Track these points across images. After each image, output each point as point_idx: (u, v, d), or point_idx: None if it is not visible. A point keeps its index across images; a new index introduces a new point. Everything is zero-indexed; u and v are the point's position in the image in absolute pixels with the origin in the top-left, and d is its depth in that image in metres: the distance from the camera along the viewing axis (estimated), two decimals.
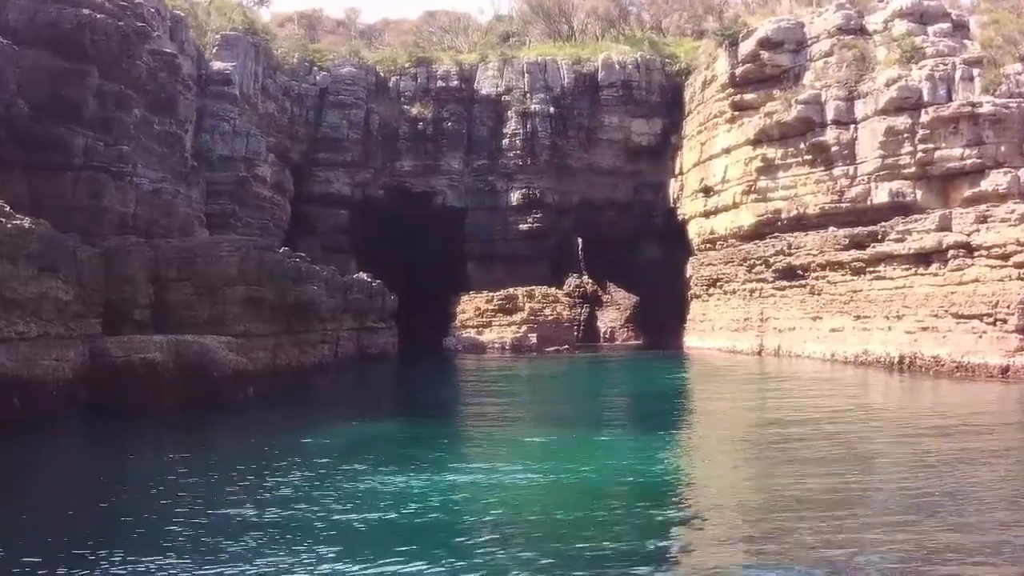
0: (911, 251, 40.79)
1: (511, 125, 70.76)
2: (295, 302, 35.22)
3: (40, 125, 31.21)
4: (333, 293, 42.31)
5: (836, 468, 18.27)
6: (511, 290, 64.56)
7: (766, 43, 54.74)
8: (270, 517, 14.19)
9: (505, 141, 70.83)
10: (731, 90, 57.99)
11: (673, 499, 16.40)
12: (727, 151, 58.22)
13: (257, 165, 56.40)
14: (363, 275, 51.40)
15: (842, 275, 45.95)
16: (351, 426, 25.38)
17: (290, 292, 34.63)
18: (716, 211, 60.20)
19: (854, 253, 45.03)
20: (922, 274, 40.18)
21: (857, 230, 45.44)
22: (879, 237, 43.42)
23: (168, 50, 43.28)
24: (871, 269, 43.77)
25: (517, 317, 63.44)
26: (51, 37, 31.95)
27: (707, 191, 61.42)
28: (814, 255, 48.18)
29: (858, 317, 44.09)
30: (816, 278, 48.09)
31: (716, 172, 59.79)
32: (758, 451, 21.01)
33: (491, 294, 64.58)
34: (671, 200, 68.90)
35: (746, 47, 56.04)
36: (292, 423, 26.02)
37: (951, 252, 38.56)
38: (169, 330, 29.70)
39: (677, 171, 68.11)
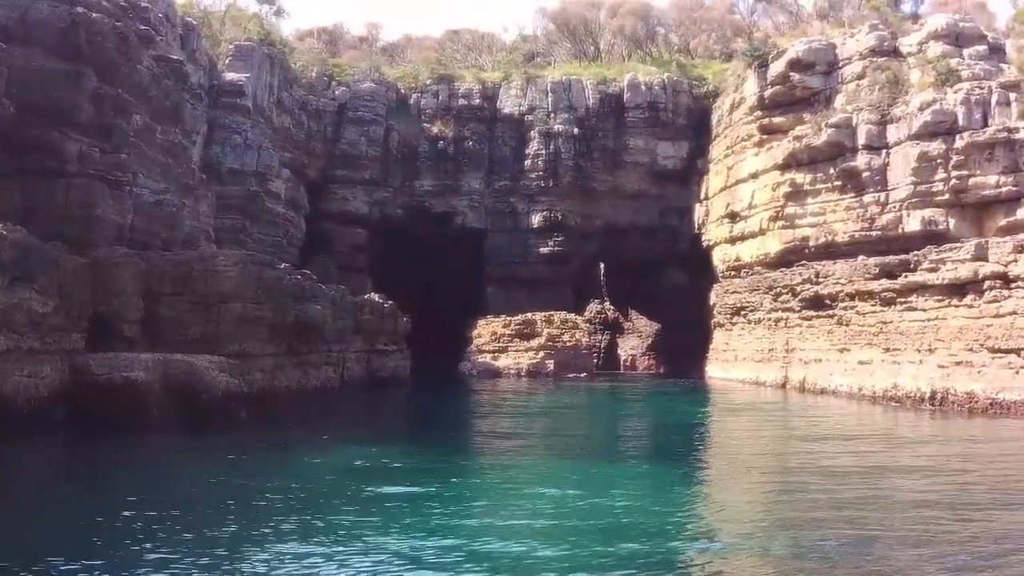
0: (945, 281, 38.96)
1: (534, 146, 69.56)
2: (296, 321, 33.52)
3: (31, 129, 29.63)
4: (341, 313, 40.68)
5: (855, 512, 16.73)
6: (529, 315, 63.01)
7: (797, 64, 53.31)
8: None
9: (527, 162, 69.65)
10: (759, 113, 56.56)
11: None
12: (754, 176, 56.71)
13: (270, 180, 54.96)
14: (375, 296, 49.85)
15: (871, 305, 44.12)
16: (334, 457, 23.41)
17: (291, 311, 32.94)
18: (742, 237, 58.64)
19: (885, 283, 43.25)
20: (956, 305, 38.38)
21: (888, 259, 43.73)
22: (911, 267, 41.67)
23: (174, 56, 41.73)
24: (902, 300, 41.96)
25: (534, 343, 61.83)
26: (43, 36, 30.39)
27: (733, 217, 59.88)
28: (843, 284, 46.42)
29: (888, 350, 42.21)
30: (844, 308, 46.25)
31: (743, 197, 58.25)
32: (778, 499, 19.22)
33: (508, 318, 63.04)
34: (696, 226, 67.47)
35: (776, 68, 54.71)
36: (269, 453, 24.23)
37: (987, 283, 36.70)
38: (161, 347, 28.13)
39: (703, 196, 66.65)
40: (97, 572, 12.30)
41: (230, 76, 53.46)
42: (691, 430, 33.25)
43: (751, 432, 32.39)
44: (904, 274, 42.05)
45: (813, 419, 35.84)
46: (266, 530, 14.78)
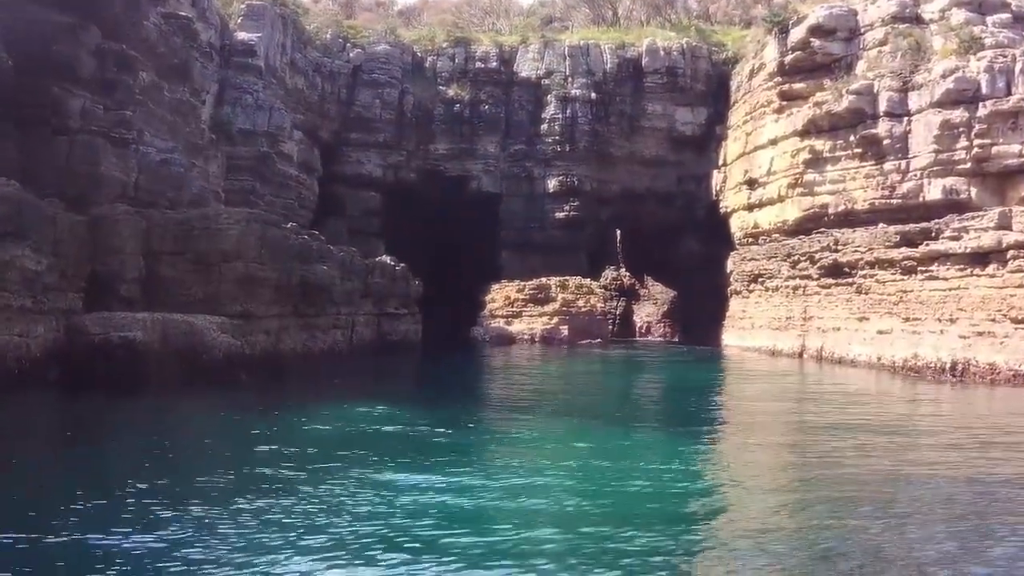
0: (967, 250, 38.01)
1: (550, 110, 68.80)
2: (302, 282, 32.84)
3: (31, 83, 28.89)
4: (350, 275, 39.96)
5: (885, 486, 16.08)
6: (543, 279, 62.12)
7: (817, 30, 52.46)
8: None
9: (544, 126, 68.96)
10: (779, 79, 55.62)
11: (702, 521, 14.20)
12: (773, 142, 55.79)
13: (281, 141, 54.25)
14: (386, 258, 49.15)
15: (892, 274, 43.13)
16: (332, 418, 22.65)
17: (296, 271, 32.26)
18: (760, 204, 57.75)
19: (905, 251, 42.26)
20: (979, 275, 37.40)
21: (909, 227, 42.76)
22: (933, 235, 40.73)
23: (183, 13, 40.94)
24: (923, 268, 40.96)
25: (549, 308, 60.93)
26: None
27: (751, 183, 58.93)
28: (862, 252, 45.48)
29: (907, 319, 41.30)
30: (864, 276, 45.28)
31: (761, 164, 57.30)
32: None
33: (523, 283, 62.15)
34: (714, 192, 66.66)
35: (796, 34, 53.79)
36: (261, 418, 23.35)
37: (1011, 252, 35.71)
38: (161, 308, 27.46)
39: (721, 162, 65.84)
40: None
41: (241, 36, 52.80)
42: (705, 399, 32.29)
43: (767, 404, 31.42)
44: (925, 242, 41.06)
45: (832, 392, 34.84)
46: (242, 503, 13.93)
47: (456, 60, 70.53)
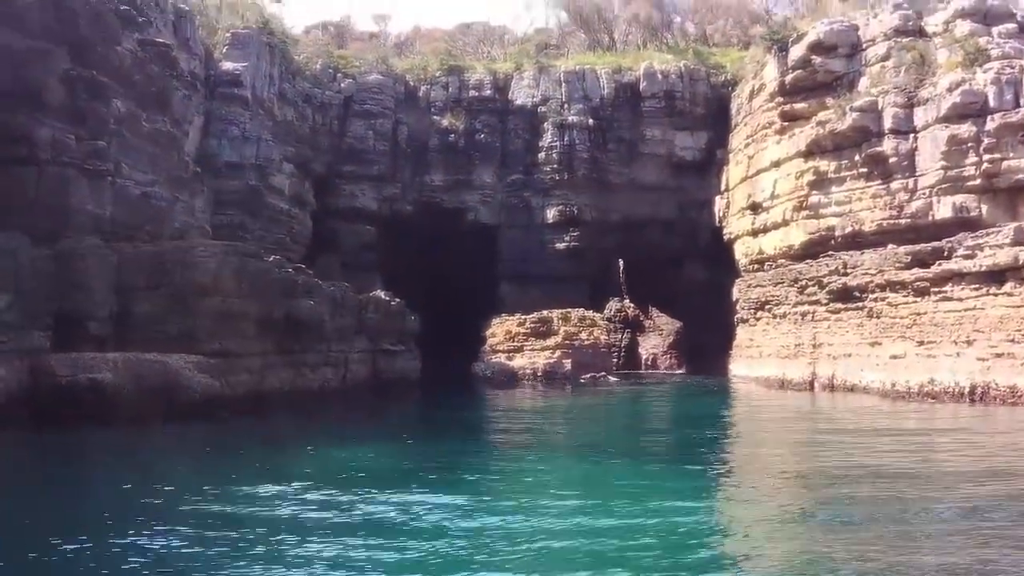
0: (983, 268, 36.70)
1: (547, 137, 67.46)
2: (287, 318, 31.21)
3: None
4: (341, 311, 38.39)
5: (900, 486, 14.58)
6: (545, 312, 60.32)
7: (818, 47, 51.19)
8: None
9: (541, 155, 67.61)
10: (780, 99, 54.25)
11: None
12: (776, 164, 54.39)
13: (271, 174, 52.80)
14: (381, 293, 47.60)
15: (904, 296, 41.68)
16: (306, 467, 20.95)
17: (280, 306, 30.68)
18: (764, 229, 56.28)
19: (917, 272, 40.84)
20: (995, 294, 36.15)
21: (920, 247, 41.43)
22: (945, 254, 39.41)
23: (162, 40, 39.47)
24: (936, 289, 39.59)
25: (551, 341, 59.11)
26: (10, 12, 28.07)
27: (755, 208, 57.52)
28: (872, 275, 43.94)
29: (922, 343, 39.81)
30: (875, 300, 43.74)
31: (764, 187, 55.88)
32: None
33: (523, 316, 60.36)
34: (717, 218, 65.22)
35: (796, 52, 52.44)
36: (230, 465, 21.60)
37: None
38: (134, 346, 25.87)
39: (723, 187, 64.40)
40: None
41: (227, 65, 51.40)
42: (711, 447, 30.34)
43: (777, 449, 29.71)
44: (938, 262, 39.71)
45: (846, 429, 33.14)
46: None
47: (450, 89, 69.22)
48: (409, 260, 66.62)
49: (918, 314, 40.47)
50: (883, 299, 43.10)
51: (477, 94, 68.64)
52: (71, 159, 29.69)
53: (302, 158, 60.64)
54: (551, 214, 66.76)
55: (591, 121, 66.92)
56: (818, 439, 27.60)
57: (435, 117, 68.40)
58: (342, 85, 65.98)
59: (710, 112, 67.43)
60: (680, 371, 73.87)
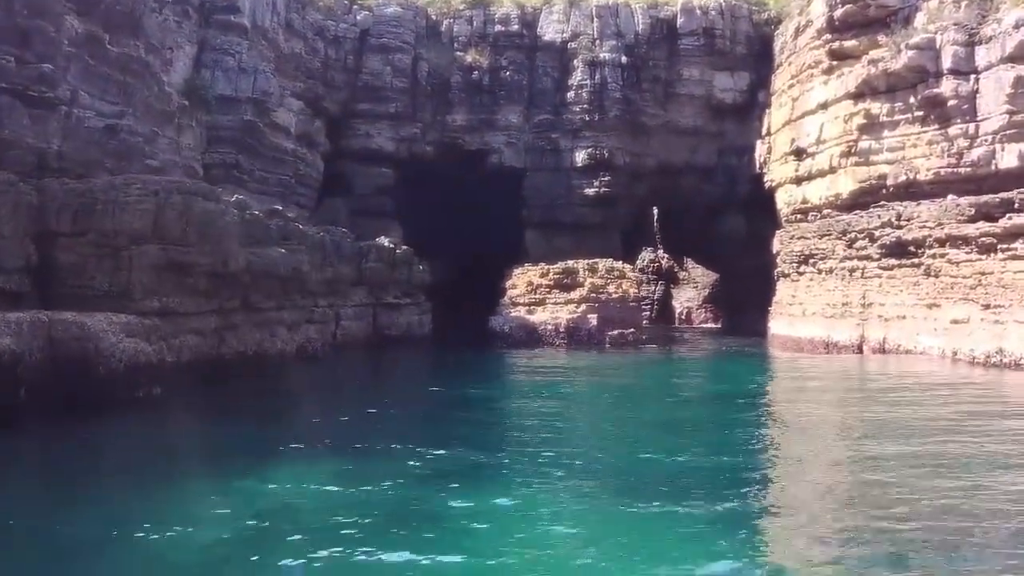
0: None
1: (577, 76, 62.85)
2: (250, 269, 26.80)
3: None
4: (332, 260, 34.14)
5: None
6: (570, 263, 55.82)
7: None
8: None
9: (570, 94, 63.05)
10: (828, 36, 49.85)
11: None
12: (823, 107, 50.15)
13: (271, 109, 48.47)
14: (384, 240, 43.61)
15: (967, 253, 37.49)
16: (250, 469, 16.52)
17: (238, 256, 26.20)
18: (809, 176, 52.09)
19: (983, 226, 36.62)
20: None
21: (986, 198, 37.20)
22: (1016, 206, 35.36)
23: None
24: (1005, 246, 35.46)
25: (575, 294, 54.66)
26: None
27: (799, 154, 53.28)
28: (930, 228, 39.73)
29: (987, 306, 35.64)
30: (933, 256, 39.56)
31: (810, 131, 51.63)
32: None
33: (547, 267, 55.95)
34: (757, 165, 61.03)
35: None
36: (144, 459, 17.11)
37: None
38: (58, 304, 21.54)
39: (764, 132, 60.14)
40: None
41: None
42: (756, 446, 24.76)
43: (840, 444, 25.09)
44: (1008, 215, 35.62)
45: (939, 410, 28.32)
46: None
47: (474, 23, 64.91)
48: (429, 206, 63.05)
49: (983, 273, 36.46)
50: (943, 256, 39.05)
51: (504, 29, 64.33)
52: (10, 84, 25.54)
53: (312, 95, 56.79)
54: (580, 157, 62.51)
55: (624, 59, 62.53)
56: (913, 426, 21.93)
57: (458, 53, 64.29)
58: (358, 17, 61.72)
59: (752, 52, 63.24)
60: (716, 326, 70.96)
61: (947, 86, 41.14)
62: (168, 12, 39.66)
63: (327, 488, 15.72)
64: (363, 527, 13.16)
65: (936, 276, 39.32)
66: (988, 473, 16.33)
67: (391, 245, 43.18)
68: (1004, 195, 36.22)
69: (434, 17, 65.25)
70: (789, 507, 15.14)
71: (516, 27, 64.23)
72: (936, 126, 42.28)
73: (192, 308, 24.69)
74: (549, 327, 52.79)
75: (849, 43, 48.51)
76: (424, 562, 11.61)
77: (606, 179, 62.42)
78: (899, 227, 42.01)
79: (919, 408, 24.44)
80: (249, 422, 22.14)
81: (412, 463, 17.53)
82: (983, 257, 36.55)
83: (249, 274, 26.98)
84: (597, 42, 62.98)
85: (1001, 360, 33.31)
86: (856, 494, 15.47)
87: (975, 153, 40.13)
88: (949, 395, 27.28)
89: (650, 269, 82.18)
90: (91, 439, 18.82)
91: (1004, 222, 35.51)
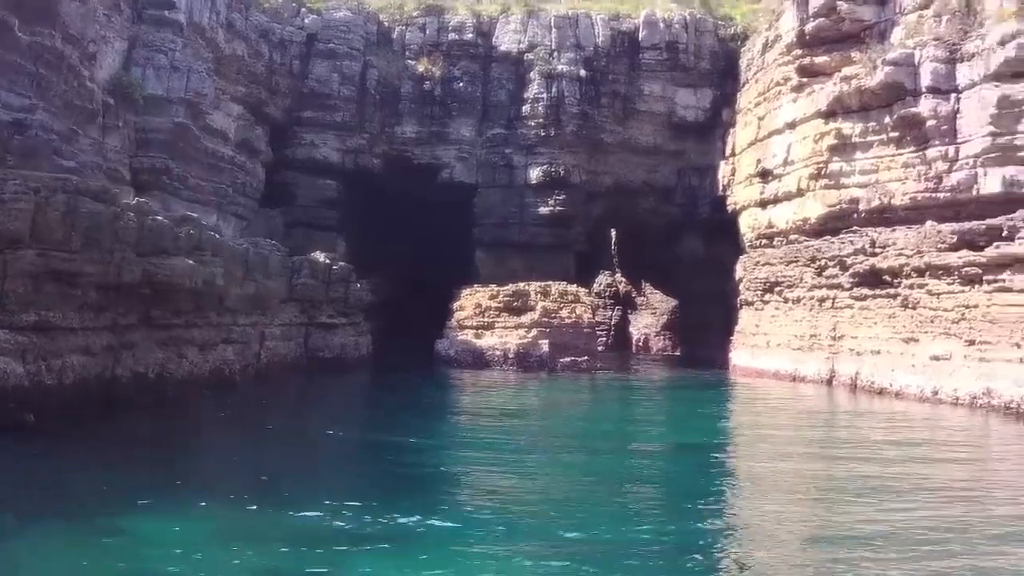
0: None
1: (534, 89, 60.18)
2: (149, 281, 23.66)
3: None
4: (256, 275, 31.10)
5: None
6: (521, 285, 53.18)
7: None
8: None
9: (526, 108, 60.32)
10: (798, 51, 47.50)
11: None
12: (791, 126, 47.86)
13: (205, 112, 45.36)
14: (319, 255, 40.67)
15: (948, 284, 35.00)
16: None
17: (134, 265, 23.03)
18: (775, 200, 49.70)
19: (966, 255, 34.15)
20: None
21: (970, 225, 34.71)
22: (1004, 234, 32.86)
23: None
24: (991, 277, 32.92)
25: (526, 318, 51.89)
26: None
27: (764, 175, 50.93)
28: (907, 256, 37.29)
29: (972, 342, 33.08)
30: (911, 287, 37.12)
31: (777, 152, 49.30)
32: None
33: (497, 288, 53.25)
34: (720, 187, 58.61)
35: None
36: None
37: None
38: None
39: (728, 152, 57.83)
40: None
41: None
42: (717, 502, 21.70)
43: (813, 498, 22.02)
44: (995, 243, 33.09)
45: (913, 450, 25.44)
46: None
47: (427, 31, 62.25)
48: (375, 221, 61.11)
49: (967, 306, 33.98)
50: (921, 286, 36.66)
51: (457, 37, 61.78)
52: None
53: (254, 100, 54.02)
54: (535, 174, 59.76)
55: (583, 72, 60.06)
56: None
57: (409, 61, 61.64)
58: (305, 21, 59.05)
59: (716, 68, 61.06)
60: (675, 353, 69.28)
61: (925, 105, 38.69)
62: (95, 3, 36.62)
63: (204, 551, 12.73)
64: None
65: (914, 308, 36.92)
66: None
67: (326, 261, 40.36)
68: (991, 222, 33.75)
69: (386, 23, 62.69)
70: None
71: (471, 36, 61.76)
72: (913, 148, 39.92)
73: (77, 323, 21.44)
74: (498, 352, 50.29)
75: (820, 59, 46.32)
76: None
77: (561, 198, 59.84)
78: (873, 254, 39.67)
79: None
80: (125, 460, 18.88)
81: (320, 520, 14.51)
82: (966, 289, 34.10)
83: (149, 286, 23.87)
84: (555, 54, 60.48)
85: (989, 402, 30.59)
86: None
87: (955, 177, 37.63)
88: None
89: (607, 293, 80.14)
90: None
91: (991, 251, 32.99)
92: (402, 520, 14.81)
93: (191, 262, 25.64)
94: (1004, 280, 32.18)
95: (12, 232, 19.68)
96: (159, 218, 24.98)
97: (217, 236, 29.10)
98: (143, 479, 17.27)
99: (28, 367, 19.28)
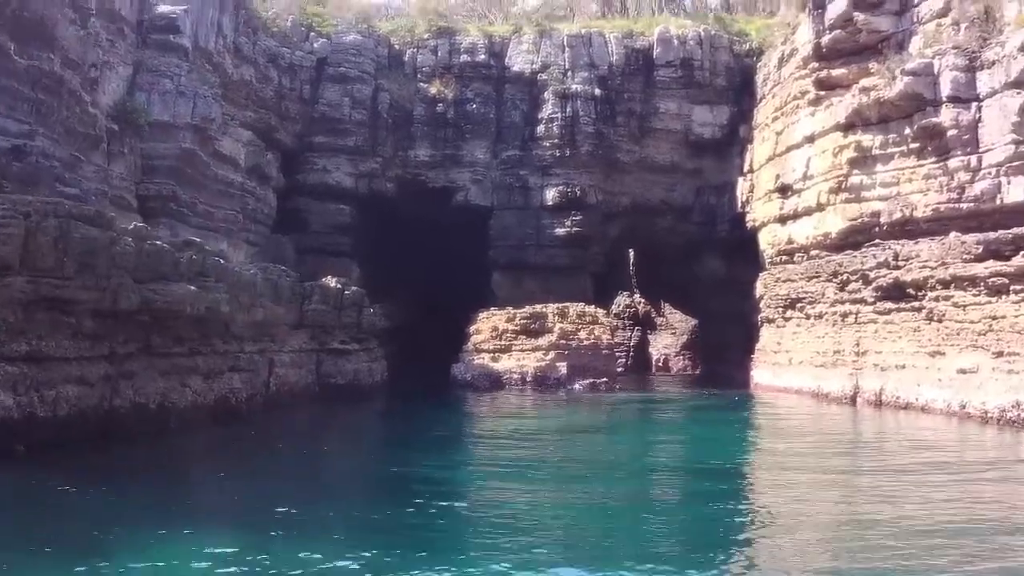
0: None
1: (548, 109, 59.76)
2: (149, 308, 22.90)
3: None
4: (265, 301, 30.38)
5: None
6: (538, 307, 52.68)
7: (861, 3, 43.76)
8: None
9: (540, 128, 59.92)
10: (815, 64, 46.88)
11: None
12: (810, 140, 47.27)
13: (214, 137, 44.79)
14: (331, 280, 40.00)
15: (974, 295, 34.11)
16: None
17: (128, 292, 22.24)
18: (795, 215, 49.04)
19: (992, 265, 33.29)
20: None
21: (996, 235, 33.93)
22: None
23: None
24: (1019, 287, 32.09)
25: (544, 340, 51.27)
26: None
27: (784, 191, 50.33)
28: (932, 268, 36.43)
29: (1000, 354, 32.16)
30: (936, 299, 36.24)
31: (796, 167, 48.63)
32: None
33: (514, 311, 52.67)
34: (739, 204, 58.03)
35: (835, 9, 44.78)
36: None
37: None
38: None
39: (746, 168, 57.29)
40: None
41: (163, 8, 43.45)
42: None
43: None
44: (1021, 253, 32.38)
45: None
46: None
47: (439, 53, 61.89)
48: (390, 246, 60.55)
49: (994, 318, 33.04)
50: (947, 298, 35.74)
51: (470, 59, 61.35)
52: None
53: (264, 125, 53.48)
54: (550, 195, 59.34)
55: (597, 91, 59.56)
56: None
57: (421, 84, 61.20)
58: (315, 45, 58.57)
59: (732, 85, 60.52)
60: (695, 373, 68.68)
61: (946, 115, 37.83)
62: (97, 27, 36.00)
63: None
64: None
65: (939, 321, 36.00)
66: None
67: (338, 286, 39.65)
68: (1017, 231, 32.96)
69: (396, 46, 62.35)
70: None
71: (483, 57, 61.41)
72: (934, 159, 39.07)
73: (72, 352, 20.69)
74: (515, 375, 49.77)
75: (838, 71, 45.65)
76: None
77: (578, 218, 59.37)
78: (896, 267, 38.79)
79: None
80: (117, 497, 17.90)
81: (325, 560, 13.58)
82: (993, 300, 33.21)
83: (148, 313, 23.12)
84: (569, 73, 60.15)
85: (1019, 415, 29.72)
86: None
87: (978, 187, 36.74)
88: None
89: (626, 314, 79.35)
90: None
91: (1018, 260, 32.20)
92: (419, 554, 13.96)
93: (193, 288, 24.92)
94: None
95: (1, 258, 18.97)
96: (158, 243, 24.28)
97: (221, 261, 28.35)
98: (127, 514, 16.41)
99: (19, 398, 18.58)
